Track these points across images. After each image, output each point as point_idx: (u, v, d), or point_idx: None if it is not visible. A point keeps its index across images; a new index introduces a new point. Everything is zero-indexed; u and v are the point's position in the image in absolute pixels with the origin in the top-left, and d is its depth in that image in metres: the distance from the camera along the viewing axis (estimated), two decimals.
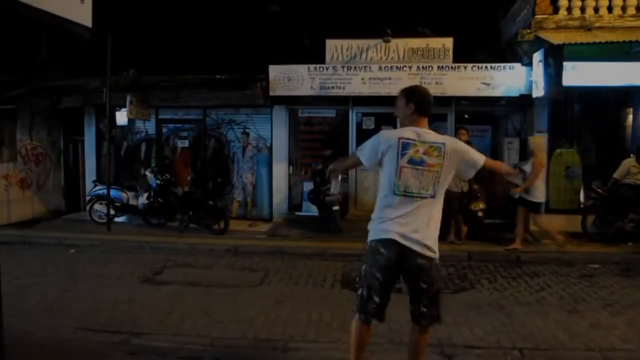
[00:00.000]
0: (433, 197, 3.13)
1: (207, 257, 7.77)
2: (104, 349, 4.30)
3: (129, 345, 4.36)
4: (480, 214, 8.45)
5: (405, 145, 3.11)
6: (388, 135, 3.22)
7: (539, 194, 7.71)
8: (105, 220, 9.73)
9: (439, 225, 3.21)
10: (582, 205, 9.32)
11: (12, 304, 5.18)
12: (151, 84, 10.20)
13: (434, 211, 3.16)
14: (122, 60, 9.48)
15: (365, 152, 3.30)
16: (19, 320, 4.85)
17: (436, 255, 3.17)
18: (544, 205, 7.71)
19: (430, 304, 3.20)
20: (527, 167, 7.66)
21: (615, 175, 8.22)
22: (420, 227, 3.09)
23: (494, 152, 10.43)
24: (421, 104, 3.23)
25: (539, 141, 7.97)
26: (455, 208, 8.02)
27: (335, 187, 9.21)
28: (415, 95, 3.26)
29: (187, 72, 10.02)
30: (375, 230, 3.21)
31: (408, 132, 3.17)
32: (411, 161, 3.10)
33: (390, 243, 3.10)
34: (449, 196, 8.10)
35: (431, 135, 3.19)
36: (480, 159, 3.25)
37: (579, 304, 5.54)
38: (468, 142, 8.64)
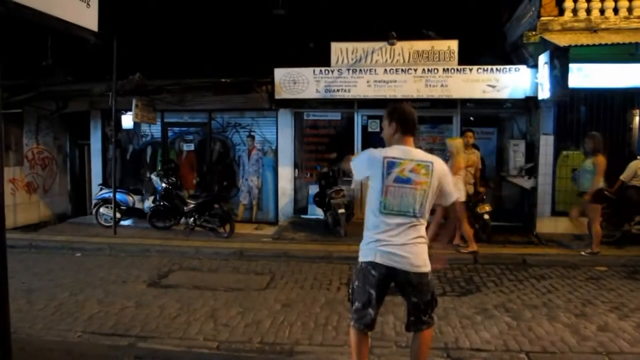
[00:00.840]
0: (418, 217, 3.11)
1: (213, 260, 7.77)
2: (110, 353, 4.31)
3: (136, 349, 4.37)
4: (486, 216, 8.41)
5: (390, 165, 3.09)
6: (373, 155, 3.19)
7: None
8: (111, 224, 9.75)
9: (426, 242, 3.19)
10: None
11: (19, 308, 5.25)
12: (157, 87, 10.22)
13: (420, 231, 3.14)
14: (127, 65, 9.50)
15: (354, 167, 3.35)
16: (26, 324, 4.90)
17: (426, 269, 3.16)
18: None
19: (420, 314, 3.22)
20: None
21: (622, 177, 8.16)
22: (406, 246, 3.07)
23: (500, 154, 10.41)
24: (403, 123, 3.20)
25: (457, 143, 7.76)
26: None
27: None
28: (396, 114, 3.23)
29: (192, 76, 10.04)
30: (365, 252, 3.21)
31: (394, 151, 3.15)
32: (397, 180, 3.07)
33: (379, 265, 3.11)
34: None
35: (419, 154, 3.18)
36: (454, 195, 3.26)
37: (587, 307, 5.50)
38: (474, 145, 8.66)
